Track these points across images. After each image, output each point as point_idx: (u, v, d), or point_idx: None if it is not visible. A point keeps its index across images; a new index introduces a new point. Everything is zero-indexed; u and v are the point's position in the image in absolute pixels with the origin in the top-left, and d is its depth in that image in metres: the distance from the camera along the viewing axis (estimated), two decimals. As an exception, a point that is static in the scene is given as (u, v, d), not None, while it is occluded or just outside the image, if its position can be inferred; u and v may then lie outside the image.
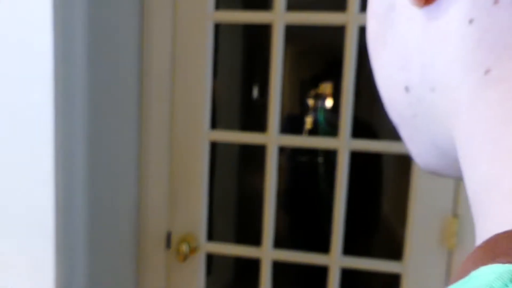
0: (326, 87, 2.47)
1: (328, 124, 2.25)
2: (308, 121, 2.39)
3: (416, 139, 0.26)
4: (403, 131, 0.27)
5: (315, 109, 2.42)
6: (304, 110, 2.58)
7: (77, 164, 0.97)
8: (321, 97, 2.44)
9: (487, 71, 0.19)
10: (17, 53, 0.85)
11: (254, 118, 2.55)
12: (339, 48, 1.11)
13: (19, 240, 0.91)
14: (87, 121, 0.99)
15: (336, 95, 2.14)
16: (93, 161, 1.02)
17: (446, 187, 1.10)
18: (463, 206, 1.09)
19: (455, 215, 1.10)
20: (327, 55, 2.43)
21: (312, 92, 2.53)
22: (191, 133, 1.19)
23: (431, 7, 0.21)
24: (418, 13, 0.22)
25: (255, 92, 3.20)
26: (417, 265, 1.13)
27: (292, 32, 1.16)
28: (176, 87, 1.18)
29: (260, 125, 1.21)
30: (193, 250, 1.21)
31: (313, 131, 2.39)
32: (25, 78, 0.86)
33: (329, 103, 2.38)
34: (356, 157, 1.16)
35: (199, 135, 1.19)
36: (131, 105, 1.17)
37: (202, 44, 1.15)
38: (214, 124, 1.21)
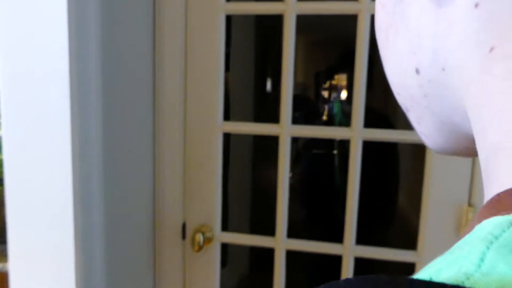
0: (341, 78, 2.45)
1: (345, 115, 2.23)
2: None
3: (426, 119, 0.27)
4: (412, 114, 0.28)
5: (330, 100, 2.41)
6: (319, 101, 2.57)
7: (94, 158, 0.99)
8: (336, 89, 2.42)
9: (491, 49, 0.20)
10: (34, 52, 0.88)
11: (268, 112, 2.55)
12: (354, 39, 1.10)
13: (41, 232, 0.93)
14: (103, 116, 1.01)
15: (351, 86, 2.12)
16: (110, 154, 1.04)
17: (461, 176, 1.09)
18: (478, 195, 1.08)
19: (470, 204, 1.09)
20: (342, 47, 2.41)
21: (327, 84, 2.52)
22: (205, 125, 1.20)
23: None
24: (428, 2, 0.23)
25: (268, 85, 3.20)
26: (432, 254, 1.12)
27: (306, 23, 1.16)
28: (188, 80, 1.19)
29: (273, 119, 1.21)
30: (208, 240, 1.23)
31: (328, 123, 2.38)
32: (42, 77, 0.88)
33: (344, 94, 2.37)
34: (371, 147, 1.16)
35: (213, 127, 1.20)
36: (145, 98, 1.18)
37: (214, 36, 1.16)
38: (227, 118, 1.21)
